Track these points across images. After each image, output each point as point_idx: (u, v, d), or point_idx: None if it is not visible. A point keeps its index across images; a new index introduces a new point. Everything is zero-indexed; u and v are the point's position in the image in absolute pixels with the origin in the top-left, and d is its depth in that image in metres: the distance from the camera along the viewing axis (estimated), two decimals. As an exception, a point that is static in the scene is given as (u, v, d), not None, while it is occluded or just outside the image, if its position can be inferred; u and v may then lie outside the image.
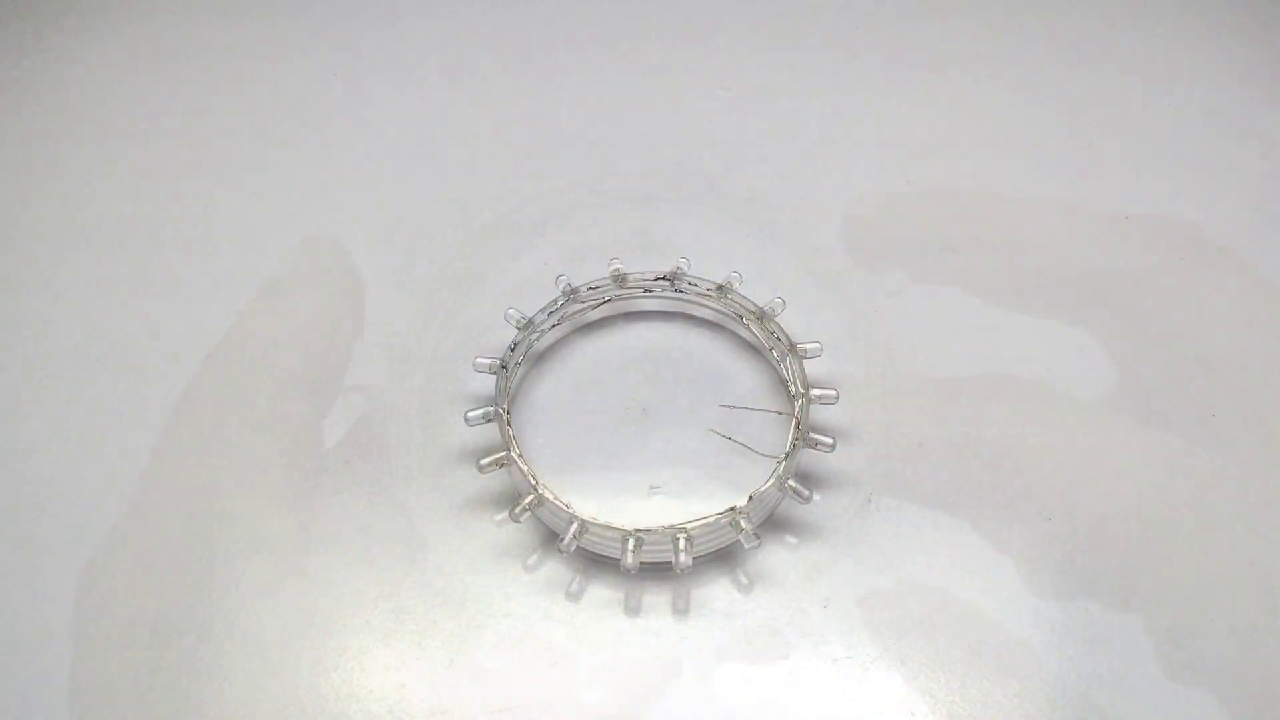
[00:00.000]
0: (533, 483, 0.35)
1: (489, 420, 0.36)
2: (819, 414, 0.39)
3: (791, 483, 0.36)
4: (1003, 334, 0.42)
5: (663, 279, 0.40)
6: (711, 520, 0.34)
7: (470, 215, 0.46)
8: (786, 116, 0.51)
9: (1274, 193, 0.48)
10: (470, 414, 0.35)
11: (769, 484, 0.35)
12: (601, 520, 0.34)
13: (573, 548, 0.34)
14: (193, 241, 0.45)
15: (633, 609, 0.35)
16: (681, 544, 0.34)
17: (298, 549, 0.35)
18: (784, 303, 0.40)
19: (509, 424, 0.35)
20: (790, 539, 0.37)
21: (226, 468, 0.37)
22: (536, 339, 0.39)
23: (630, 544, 0.33)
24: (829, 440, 0.36)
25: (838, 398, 0.38)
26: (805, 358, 0.39)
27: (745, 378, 0.40)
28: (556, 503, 0.34)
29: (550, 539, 0.36)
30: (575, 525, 0.34)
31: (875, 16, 0.56)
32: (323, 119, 0.50)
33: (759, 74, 0.53)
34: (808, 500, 0.36)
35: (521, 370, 0.39)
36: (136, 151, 0.48)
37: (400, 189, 0.47)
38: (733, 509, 0.34)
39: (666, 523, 0.34)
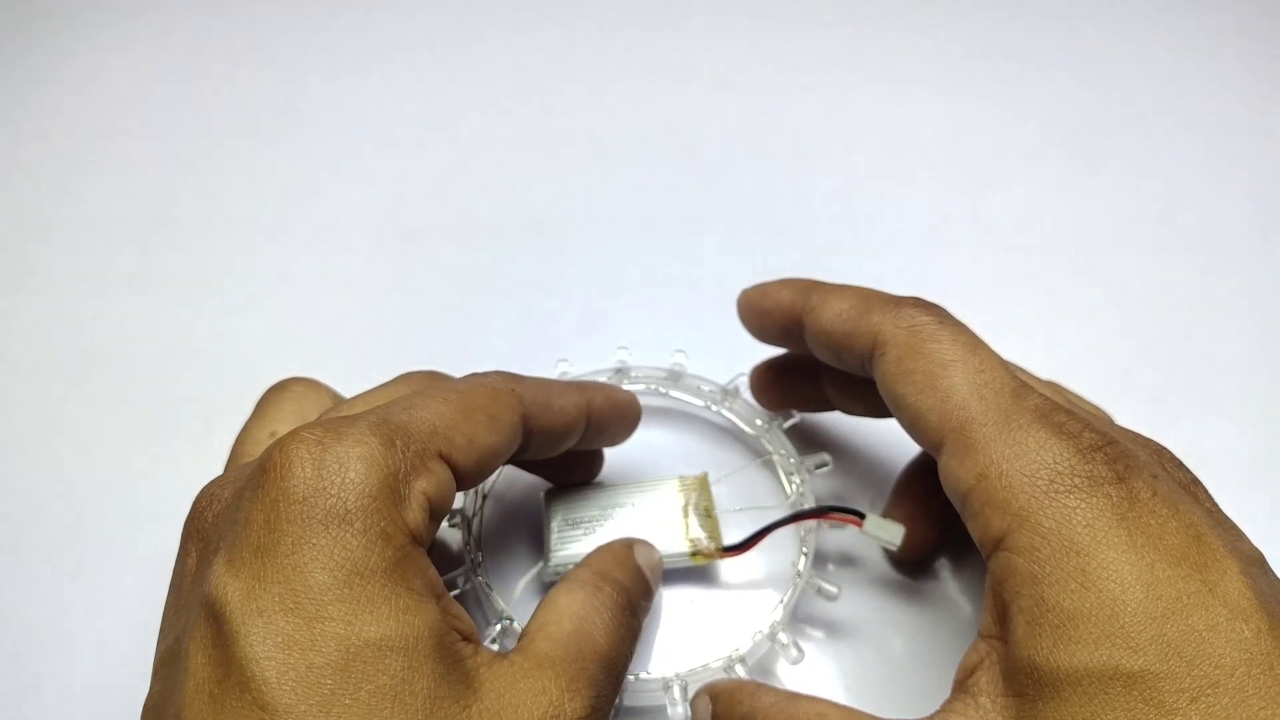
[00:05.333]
0: (501, 612, 0.31)
1: (467, 584, 0.31)
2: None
3: (812, 579, 0.32)
4: (997, 340, 0.39)
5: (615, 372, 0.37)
6: (707, 668, 0.30)
7: (470, 215, 0.46)
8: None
9: (1274, 193, 0.48)
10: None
11: (764, 635, 0.31)
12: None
13: None
14: (189, 241, 0.45)
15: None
16: (675, 691, 0.29)
17: None
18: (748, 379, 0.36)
19: (487, 585, 0.31)
20: (815, 633, 0.33)
21: (220, 470, 0.35)
22: (496, 478, 0.35)
23: None
24: (833, 589, 0.32)
25: (830, 464, 0.34)
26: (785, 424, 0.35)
27: (723, 465, 0.36)
28: None
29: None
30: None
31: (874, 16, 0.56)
32: (321, 117, 0.50)
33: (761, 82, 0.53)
34: (835, 598, 0.32)
35: (483, 512, 0.35)
36: (133, 151, 0.48)
37: (400, 189, 0.47)
38: (730, 656, 0.30)
39: (659, 670, 0.30)
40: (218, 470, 0.35)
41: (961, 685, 0.24)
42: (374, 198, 0.47)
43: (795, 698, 0.25)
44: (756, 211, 0.46)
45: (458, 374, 0.34)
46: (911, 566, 0.34)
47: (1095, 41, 0.55)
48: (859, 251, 0.45)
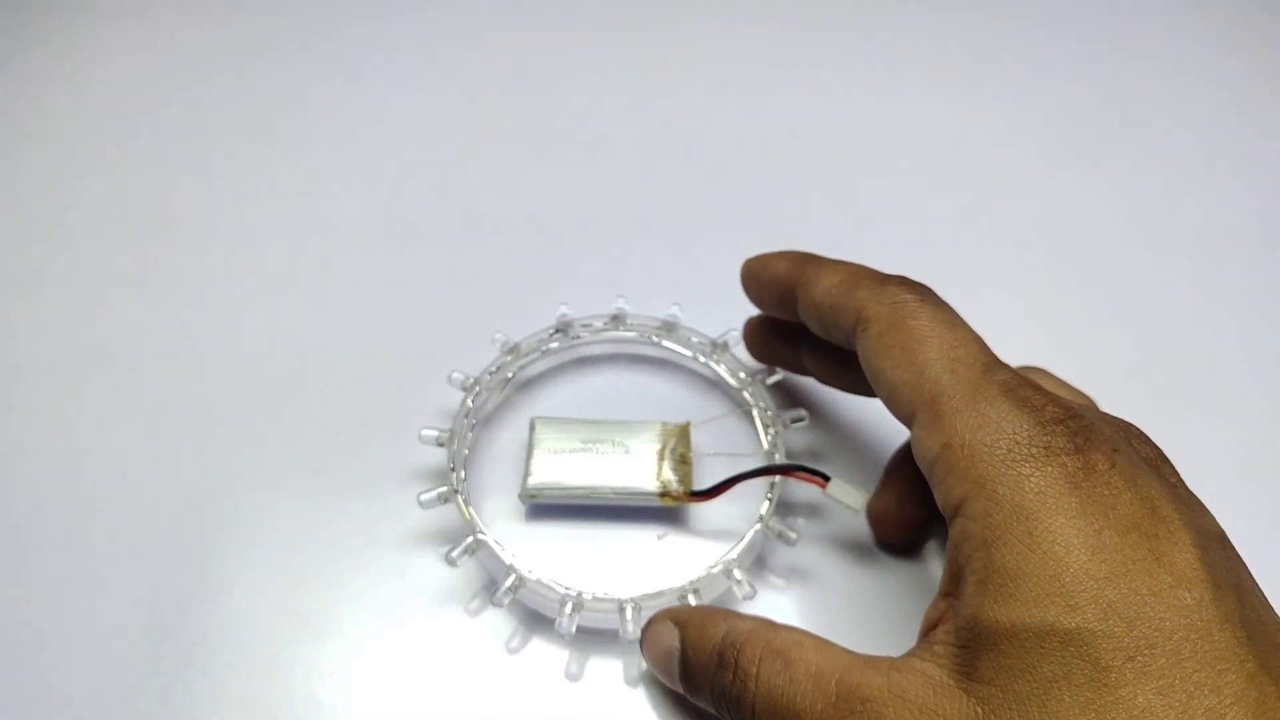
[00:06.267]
0: (473, 525, 0.32)
1: (445, 501, 0.33)
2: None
3: (773, 524, 0.33)
4: (997, 339, 0.39)
5: (610, 321, 0.38)
6: (662, 595, 0.31)
7: (470, 215, 0.46)
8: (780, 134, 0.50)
9: (1274, 193, 0.47)
10: (424, 496, 0.33)
11: (718, 568, 0.32)
12: (542, 578, 0.31)
13: (505, 601, 0.31)
14: (184, 240, 0.45)
15: (574, 674, 0.32)
16: (628, 614, 0.30)
17: (292, 551, 0.34)
18: (740, 336, 0.37)
19: (464, 501, 0.33)
20: (777, 580, 0.34)
21: (219, 469, 0.37)
22: (484, 401, 0.37)
23: (567, 608, 0.31)
24: (792, 535, 0.33)
25: (806, 419, 0.35)
26: (768, 380, 0.37)
27: (705, 413, 0.38)
28: (496, 550, 0.32)
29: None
30: (513, 579, 0.31)
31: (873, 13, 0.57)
32: (321, 117, 0.51)
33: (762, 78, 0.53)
34: (793, 543, 0.33)
35: (471, 437, 0.36)
36: (133, 150, 0.49)
37: (397, 188, 0.47)
38: (685, 586, 0.31)
39: (614, 592, 0.31)
40: (217, 469, 0.37)
41: (925, 636, 0.25)
42: (374, 197, 0.47)
43: (772, 624, 0.26)
44: (756, 210, 0.46)
45: (458, 372, 0.36)
46: (900, 549, 0.35)
47: (1095, 41, 0.55)
48: (858, 251, 0.42)
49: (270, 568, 0.34)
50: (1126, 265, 0.44)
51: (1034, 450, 0.23)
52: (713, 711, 0.27)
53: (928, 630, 0.25)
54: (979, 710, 0.22)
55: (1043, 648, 0.21)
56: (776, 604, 0.33)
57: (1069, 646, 0.21)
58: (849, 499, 0.32)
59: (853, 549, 0.34)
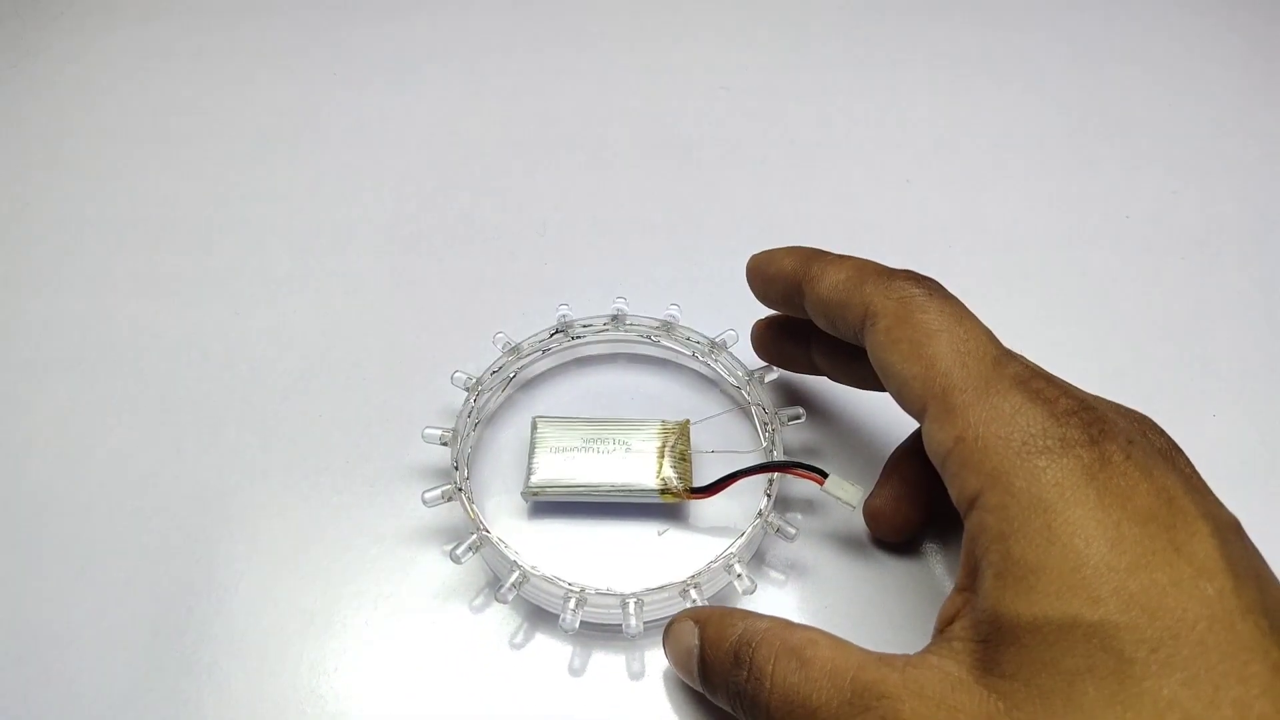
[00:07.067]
0: (477, 523, 0.33)
1: (449, 499, 0.33)
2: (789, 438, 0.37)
3: (773, 519, 0.33)
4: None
5: (608, 321, 0.39)
6: (663, 589, 0.31)
7: (472, 218, 0.46)
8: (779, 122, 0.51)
9: (1274, 193, 0.48)
10: (428, 495, 0.33)
11: (718, 563, 0.32)
12: (546, 575, 0.31)
13: (509, 598, 0.31)
14: (192, 241, 0.45)
15: (577, 669, 0.32)
16: (631, 608, 0.31)
17: (298, 549, 0.35)
18: (737, 335, 0.38)
19: (468, 499, 0.33)
20: (776, 575, 0.34)
21: (226, 468, 0.37)
22: (486, 401, 0.38)
23: (570, 604, 0.31)
24: (791, 530, 0.33)
25: (803, 417, 0.36)
26: (765, 380, 0.37)
27: (704, 412, 0.38)
28: (499, 547, 0.32)
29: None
30: (516, 575, 0.31)
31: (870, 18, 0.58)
32: (327, 122, 0.51)
33: (757, 76, 0.54)
34: (792, 538, 0.33)
35: (474, 436, 0.37)
36: (141, 154, 0.50)
37: (401, 190, 0.48)
38: (686, 581, 0.31)
39: (617, 587, 0.31)
40: (223, 468, 0.37)
41: (940, 632, 0.25)
42: (379, 201, 0.47)
43: (788, 624, 0.26)
44: (753, 213, 0.47)
45: (461, 372, 0.36)
46: (896, 546, 0.35)
47: (1093, 42, 0.56)
48: (855, 253, 0.44)
49: (276, 565, 0.34)
50: (1121, 267, 0.45)
51: (1049, 442, 0.24)
52: (731, 712, 0.27)
53: (943, 625, 0.25)
54: (1000, 705, 0.22)
55: (1065, 641, 0.21)
56: (776, 598, 0.34)
57: (1092, 639, 0.21)
58: (846, 495, 0.32)
59: (850, 544, 0.35)
